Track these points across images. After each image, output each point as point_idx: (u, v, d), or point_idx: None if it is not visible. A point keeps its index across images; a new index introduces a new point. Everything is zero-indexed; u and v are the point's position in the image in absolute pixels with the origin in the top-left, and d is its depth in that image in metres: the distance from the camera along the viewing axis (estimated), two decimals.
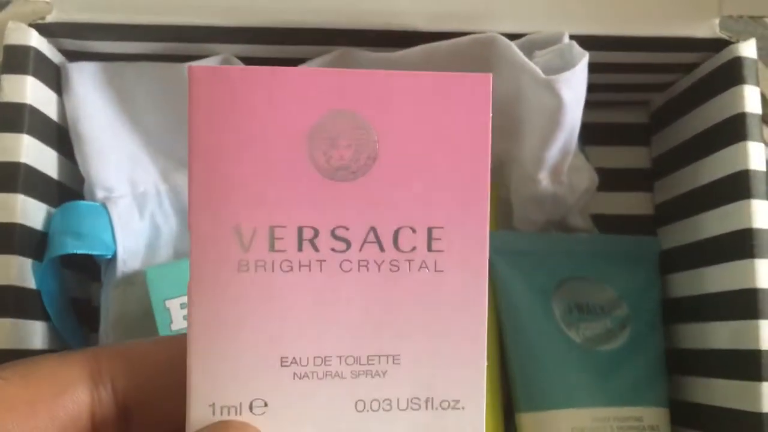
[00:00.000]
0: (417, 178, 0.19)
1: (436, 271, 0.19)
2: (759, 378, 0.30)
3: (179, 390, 0.19)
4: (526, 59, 0.31)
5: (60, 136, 0.33)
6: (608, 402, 0.34)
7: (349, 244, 0.19)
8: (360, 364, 0.19)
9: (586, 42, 0.31)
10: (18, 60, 0.31)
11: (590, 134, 0.37)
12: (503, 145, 0.35)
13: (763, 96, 0.33)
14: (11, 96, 0.30)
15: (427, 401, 0.20)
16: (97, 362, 0.20)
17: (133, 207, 0.33)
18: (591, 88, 0.32)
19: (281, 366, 0.19)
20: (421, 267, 0.19)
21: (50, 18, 0.31)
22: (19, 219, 0.30)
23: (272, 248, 0.19)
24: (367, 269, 0.19)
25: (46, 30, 0.31)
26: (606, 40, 0.33)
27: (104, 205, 0.33)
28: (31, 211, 0.30)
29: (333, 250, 0.19)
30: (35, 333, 0.31)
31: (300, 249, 0.19)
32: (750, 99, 0.32)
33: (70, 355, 0.20)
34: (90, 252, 0.32)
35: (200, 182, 0.19)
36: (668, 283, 0.38)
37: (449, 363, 0.19)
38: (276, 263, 0.19)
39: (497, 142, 0.34)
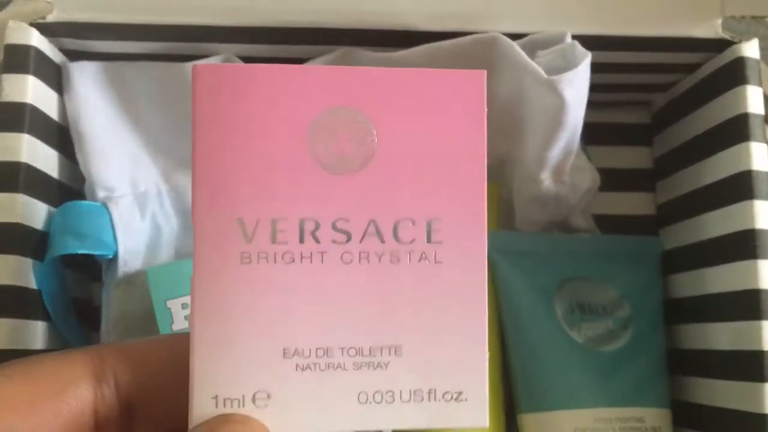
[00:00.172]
0: (415, 172, 0.20)
1: (435, 262, 0.20)
2: (761, 379, 0.30)
3: (182, 387, 0.19)
4: (528, 59, 0.31)
5: (61, 135, 0.33)
6: (610, 403, 0.34)
7: (349, 236, 0.20)
8: (362, 355, 0.19)
9: (589, 42, 0.31)
10: (19, 59, 0.31)
11: (592, 134, 0.36)
12: (505, 146, 0.35)
13: (765, 96, 0.33)
14: (12, 95, 0.30)
15: (429, 393, 0.20)
16: (100, 360, 0.20)
17: (134, 207, 0.33)
18: (593, 88, 0.32)
19: (284, 358, 0.19)
20: (420, 258, 0.20)
21: (51, 17, 0.31)
22: (20, 219, 0.30)
23: (274, 240, 0.19)
24: (368, 261, 0.20)
25: (47, 29, 0.31)
26: (608, 40, 0.33)
27: (105, 205, 0.33)
28: (31, 211, 0.30)
29: (334, 242, 0.19)
30: (36, 333, 0.31)
31: (301, 241, 0.19)
32: (753, 99, 0.32)
33: (73, 353, 0.20)
34: (91, 252, 0.32)
35: (204, 176, 0.19)
36: (670, 284, 0.38)
37: (451, 354, 0.20)
38: (278, 255, 0.19)
39: (499, 142, 0.34)
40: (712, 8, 0.33)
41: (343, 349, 0.19)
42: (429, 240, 0.20)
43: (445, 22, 0.31)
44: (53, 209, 0.32)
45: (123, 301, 0.33)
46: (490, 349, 0.20)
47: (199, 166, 0.19)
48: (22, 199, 0.30)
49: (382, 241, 0.20)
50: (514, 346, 0.35)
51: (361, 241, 0.20)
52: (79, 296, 0.35)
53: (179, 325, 0.31)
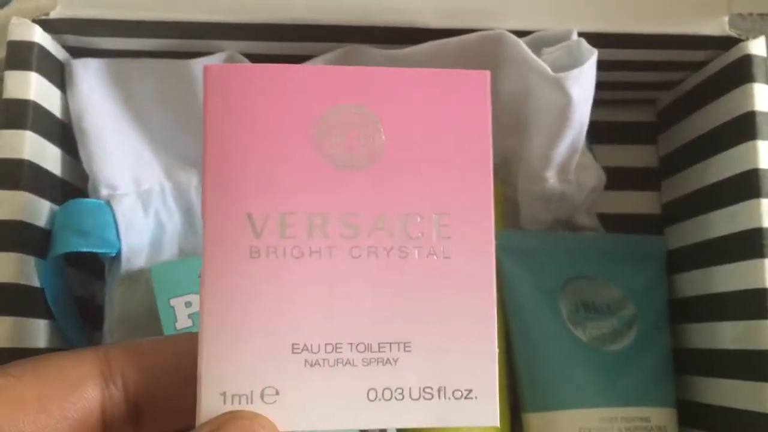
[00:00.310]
0: (423, 168, 0.20)
1: (444, 257, 0.20)
2: (767, 378, 0.30)
3: (189, 386, 0.19)
4: (534, 56, 0.30)
5: (64, 133, 0.33)
6: (615, 402, 0.33)
7: (358, 231, 0.20)
8: (371, 351, 0.19)
9: (595, 39, 0.31)
10: (22, 56, 0.30)
11: (597, 132, 0.36)
12: (510, 143, 0.35)
13: None
14: (15, 92, 0.30)
15: (439, 390, 0.19)
16: (107, 359, 0.20)
17: (138, 205, 0.33)
18: (598, 85, 0.32)
19: (292, 353, 0.19)
20: (429, 254, 0.20)
21: (54, 14, 0.31)
22: (23, 216, 0.30)
23: (283, 235, 0.19)
24: (377, 256, 0.20)
25: (50, 26, 0.31)
26: (614, 37, 0.32)
27: (108, 203, 0.33)
28: (34, 209, 0.30)
29: (342, 236, 0.20)
30: (38, 331, 0.30)
31: (310, 236, 0.19)
32: (759, 97, 0.32)
33: (81, 353, 0.20)
34: (94, 250, 0.32)
35: (214, 172, 0.19)
36: (675, 283, 0.37)
37: (460, 351, 0.20)
38: (287, 249, 0.19)
39: (504, 139, 0.34)
40: (719, 5, 0.32)
41: (352, 344, 0.19)
42: (437, 235, 0.20)
43: (451, 19, 0.31)
44: (56, 207, 0.32)
45: (126, 300, 0.33)
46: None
47: (210, 163, 0.19)
48: (24, 196, 0.30)
49: (391, 236, 0.20)
50: (519, 344, 0.35)
51: (369, 236, 0.20)
52: (81, 294, 0.35)
53: (183, 323, 0.31)
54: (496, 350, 0.20)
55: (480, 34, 0.31)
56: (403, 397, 0.19)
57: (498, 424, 0.19)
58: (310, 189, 0.19)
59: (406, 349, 0.19)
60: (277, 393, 0.19)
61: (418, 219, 0.20)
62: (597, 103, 0.32)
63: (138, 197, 0.33)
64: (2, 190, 0.29)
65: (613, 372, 0.34)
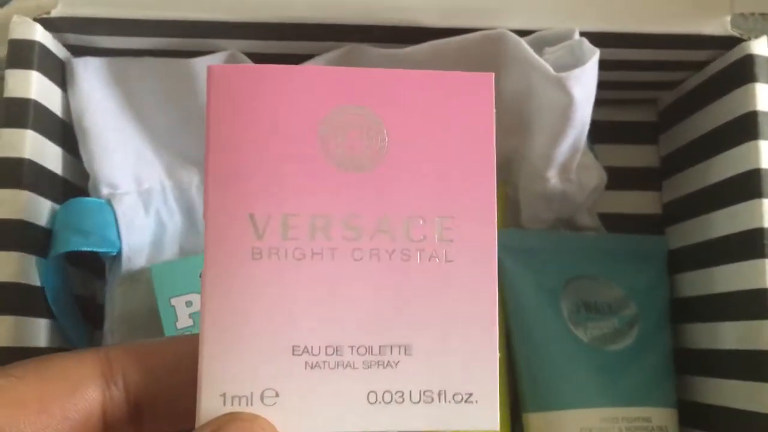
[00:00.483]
0: (426, 170, 0.20)
1: (446, 261, 0.20)
2: None
3: (190, 387, 0.19)
4: (536, 56, 0.30)
5: (64, 131, 0.33)
6: (616, 402, 0.33)
7: (360, 233, 0.20)
8: (372, 354, 0.19)
9: (596, 39, 0.31)
10: (23, 55, 0.30)
11: (598, 132, 0.36)
12: (512, 143, 0.35)
13: None
14: (16, 91, 0.30)
15: (440, 394, 0.19)
16: (108, 360, 0.20)
17: (138, 204, 0.33)
18: (600, 85, 0.32)
19: (293, 355, 0.19)
20: (431, 257, 0.20)
21: (55, 12, 0.31)
22: (23, 215, 0.29)
23: (285, 236, 0.19)
24: (378, 258, 0.20)
25: (51, 25, 0.31)
26: (616, 37, 0.32)
27: (109, 202, 0.33)
28: (35, 208, 0.30)
29: (345, 238, 0.19)
30: (39, 330, 0.30)
31: (312, 237, 0.19)
32: (761, 97, 0.32)
33: (82, 354, 0.20)
34: (94, 249, 0.32)
35: (216, 172, 0.19)
36: (677, 283, 0.37)
37: (461, 355, 0.19)
38: (289, 251, 0.19)
39: (505, 139, 0.34)
40: (721, 5, 0.32)
41: (352, 347, 0.19)
42: (440, 238, 0.20)
43: (452, 18, 0.31)
44: (57, 206, 0.32)
45: (127, 299, 0.33)
46: None
47: (212, 163, 0.19)
48: (25, 195, 0.30)
49: (393, 239, 0.20)
50: (520, 344, 0.35)
51: (371, 239, 0.20)
52: (82, 294, 0.35)
53: (183, 322, 0.31)
54: (497, 354, 0.20)
55: (481, 34, 0.31)
56: (404, 400, 0.19)
57: (498, 428, 0.19)
58: (313, 190, 0.19)
59: (407, 352, 0.19)
60: (277, 395, 0.19)
61: (421, 222, 0.20)
62: (598, 102, 0.32)
63: (139, 196, 0.33)
64: (3, 189, 0.29)
65: (615, 372, 0.34)
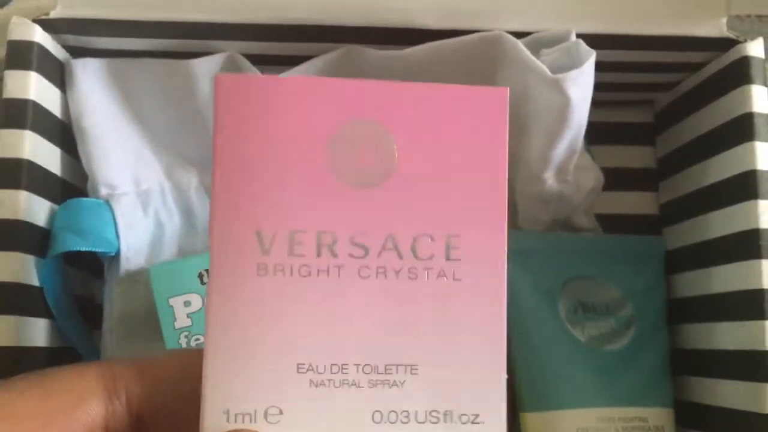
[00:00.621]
0: (435, 187, 0.19)
1: (454, 279, 0.19)
2: (765, 379, 0.30)
3: (192, 402, 0.19)
4: (532, 57, 0.30)
5: (63, 132, 0.33)
6: (613, 402, 0.34)
7: (367, 251, 0.19)
8: (377, 373, 0.19)
9: (593, 40, 0.31)
10: (22, 56, 0.31)
11: (595, 133, 0.36)
12: (509, 144, 0.35)
13: None
14: (15, 92, 0.30)
15: (446, 415, 0.19)
16: (111, 374, 0.20)
17: (137, 204, 0.33)
18: (596, 86, 0.32)
19: (297, 372, 0.19)
20: (439, 275, 0.19)
21: (54, 14, 0.31)
22: (23, 216, 0.30)
23: (291, 253, 0.19)
24: (385, 276, 0.19)
25: (50, 26, 0.31)
26: (612, 38, 0.32)
27: (108, 203, 0.33)
28: (34, 208, 0.30)
29: (351, 256, 0.19)
30: (38, 330, 0.31)
31: (319, 254, 0.19)
32: (757, 98, 0.32)
33: (85, 367, 0.20)
34: (93, 249, 0.32)
35: (223, 187, 0.19)
36: (674, 283, 0.38)
37: (468, 375, 0.19)
38: (295, 268, 0.19)
39: None
40: (717, 7, 0.33)
41: (358, 365, 0.19)
42: (448, 257, 0.19)
43: (450, 19, 0.31)
44: (56, 206, 0.32)
45: (125, 299, 0.33)
46: None
47: (219, 177, 0.19)
48: (24, 196, 0.30)
49: (400, 257, 0.19)
50: (518, 345, 0.35)
51: (378, 256, 0.19)
52: (81, 294, 0.35)
53: (181, 322, 0.31)
54: (505, 375, 0.19)
55: (479, 35, 0.31)
56: (409, 420, 0.19)
57: None
58: (320, 206, 0.19)
59: (413, 371, 0.19)
60: (281, 413, 0.19)
61: (429, 240, 0.19)
62: (595, 104, 0.32)
63: (137, 197, 0.33)
64: (2, 190, 0.29)
65: (612, 372, 0.34)
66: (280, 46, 0.33)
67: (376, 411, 0.19)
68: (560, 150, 0.33)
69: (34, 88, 0.31)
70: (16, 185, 0.29)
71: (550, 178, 0.34)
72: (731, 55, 0.33)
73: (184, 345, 0.31)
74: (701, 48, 0.34)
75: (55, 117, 0.32)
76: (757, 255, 0.31)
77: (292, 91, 0.19)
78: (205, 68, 0.33)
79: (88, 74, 0.33)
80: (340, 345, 0.19)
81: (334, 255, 0.19)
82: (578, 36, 0.31)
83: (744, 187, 0.32)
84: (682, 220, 0.37)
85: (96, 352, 0.34)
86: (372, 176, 0.19)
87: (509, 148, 0.35)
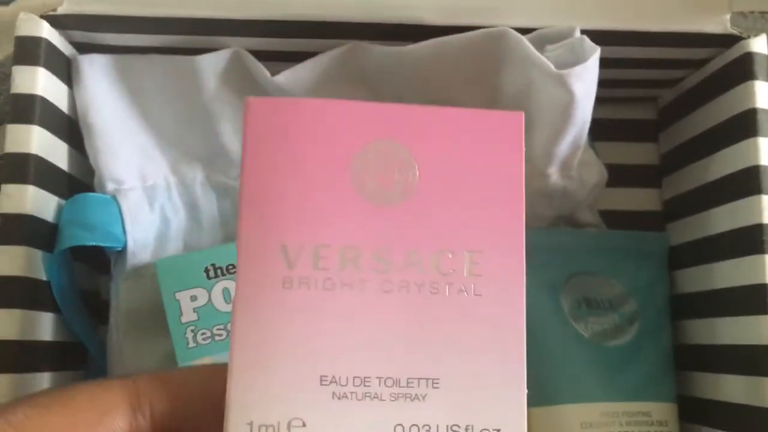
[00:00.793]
0: (455, 206, 0.20)
1: (474, 295, 0.20)
2: (767, 374, 0.30)
3: (216, 416, 0.19)
4: (537, 53, 0.31)
5: (70, 128, 0.33)
6: (617, 397, 0.34)
7: (390, 266, 0.20)
8: (399, 386, 0.19)
9: (597, 36, 0.31)
10: (29, 51, 0.31)
11: (599, 130, 0.36)
12: None
13: None
14: (22, 87, 0.30)
15: (467, 429, 0.19)
16: (135, 389, 0.20)
17: (143, 199, 0.33)
18: (600, 83, 0.32)
19: (321, 385, 0.19)
20: (460, 291, 0.20)
21: (61, 10, 0.31)
22: (30, 210, 0.30)
23: (316, 266, 0.19)
24: (408, 290, 0.20)
25: (57, 22, 0.31)
26: (616, 34, 0.33)
27: (114, 198, 0.33)
28: (41, 203, 0.31)
29: (374, 270, 0.20)
30: (45, 324, 0.31)
31: (342, 268, 0.20)
32: (761, 95, 0.32)
33: (109, 382, 0.20)
34: (100, 244, 0.32)
35: (251, 202, 0.20)
36: (677, 279, 0.38)
37: (489, 389, 0.19)
38: (319, 281, 0.19)
39: None
40: (721, 4, 0.33)
41: (380, 378, 0.19)
42: (468, 273, 0.20)
43: (454, 16, 0.31)
44: (63, 201, 0.32)
45: (132, 294, 0.33)
46: None
47: (246, 193, 0.20)
48: (32, 190, 0.30)
49: (422, 272, 0.20)
50: None
51: (401, 271, 0.20)
52: (87, 288, 0.35)
53: (188, 317, 0.31)
54: (525, 390, 0.20)
55: (483, 32, 0.31)
56: None
57: None
58: (344, 222, 0.20)
59: (435, 385, 0.19)
60: (304, 425, 0.19)
61: (450, 255, 0.20)
62: (599, 100, 0.32)
63: (144, 192, 0.34)
64: (10, 184, 0.30)
65: (615, 367, 0.34)
66: (285, 42, 0.33)
67: (398, 424, 0.19)
68: (564, 146, 0.33)
69: (42, 83, 0.31)
70: (23, 180, 0.30)
71: (554, 173, 0.35)
72: (734, 52, 0.33)
73: (190, 339, 0.31)
74: (705, 44, 0.34)
75: (62, 112, 0.33)
76: (760, 250, 0.31)
77: (317, 113, 0.20)
78: (210, 64, 0.33)
79: (95, 70, 0.33)
80: (362, 358, 0.19)
81: (358, 269, 0.20)
82: (582, 32, 0.31)
83: (747, 182, 0.32)
84: (686, 216, 0.37)
85: (102, 347, 0.34)
86: (394, 195, 0.20)
87: None
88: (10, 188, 0.30)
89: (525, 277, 0.20)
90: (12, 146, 0.30)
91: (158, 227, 0.34)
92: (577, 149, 0.34)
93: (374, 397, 0.19)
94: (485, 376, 0.20)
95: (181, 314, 0.31)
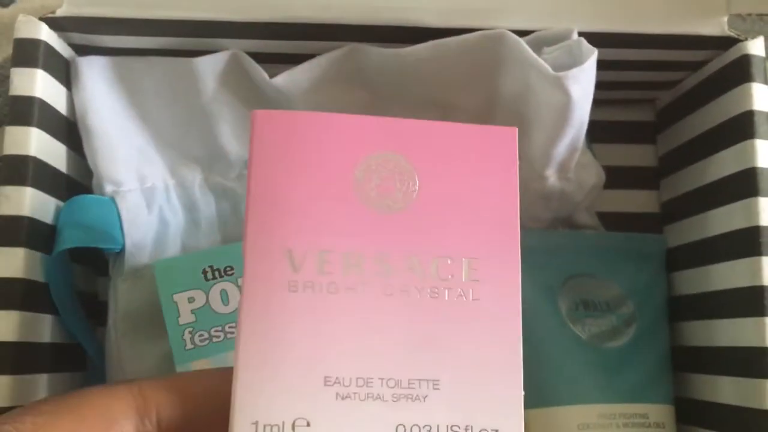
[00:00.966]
0: (454, 214, 0.21)
1: (472, 299, 0.21)
2: (764, 375, 0.30)
3: (221, 419, 0.19)
4: (534, 56, 0.31)
5: (69, 129, 0.33)
6: (614, 399, 0.34)
7: (391, 271, 0.20)
8: (401, 387, 0.20)
9: (595, 39, 0.31)
10: (28, 53, 0.31)
11: (597, 132, 0.37)
12: None
13: None
14: (21, 89, 0.30)
15: (466, 429, 0.20)
16: (142, 395, 0.20)
17: (142, 201, 0.33)
18: (598, 85, 0.32)
19: (324, 385, 0.20)
20: (459, 295, 0.21)
21: (60, 12, 0.31)
22: (28, 212, 0.30)
23: (321, 271, 0.20)
24: (408, 294, 0.20)
25: (56, 24, 0.31)
26: (614, 37, 0.33)
27: (113, 199, 0.33)
28: (39, 205, 0.31)
29: (376, 274, 0.20)
30: (43, 326, 0.31)
31: (346, 273, 0.20)
32: (757, 97, 0.32)
33: (114, 388, 0.21)
34: (98, 245, 0.32)
35: (257, 208, 0.20)
36: (674, 281, 0.38)
37: (487, 391, 0.20)
38: (323, 285, 0.20)
39: None
40: (718, 6, 0.33)
41: (382, 379, 0.20)
42: (467, 278, 0.21)
43: (452, 18, 0.32)
44: (61, 203, 0.32)
45: (130, 295, 0.33)
46: None
47: (253, 200, 0.20)
48: (30, 192, 0.30)
49: (422, 277, 0.20)
50: None
51: (402, 276, 0.20)
52: (85, 290, 0.35)
53: (185, 318, 0.31)
54: (522, 392, 0.20)
55: (481, 34, 0.31)
56: None
57: None
58: (348, 229, 0.20)
59: (435, 386, 0.20)
60: (309, 425, 0.19)
61: (449, 261, 0.21)
62: (597, 102, 0.33)
63: (142, 194, 0.34)
64: (8, 186, 0.30)
65: (612, 369, 0.34)
66: (283, 44, 0.33)
67: (400, 424, 0.20)
68: (562, 148, 0.33)
69: (41, 85, 0.31)
70: (22, 182, 0.30)
71: (551, 175, 0.35)
72: (732, 54, 0.33)
73: (187, 341, 0.31)
74: (702, 47, 0.34)
75: (61, 114, 0.33)
76: (758, 252, 0.31)
77: (322, 125, 0.21)
78: (208, 66, 0.33)
79: (94, 72, 0.33)
80: (365, 359, 0.20)
81: (361, 274, 0.20)
82: (580, 34, 0.32)
83: (744, 184, 0.32)
84: (683, 218, 0.37)
85: (100, 349, 0.34)
86: (395, 204, 0.21)
87: None
88: (9, 190, 0.30)
89: (521, 282, 0.21)
90: (11, 148, 0.30)
91: (156, 229, 0.34)
92: (575, 151, 0.34)
93: (376, 398, 0.20)
94: (484, 378, 0.20)
95: (178, 316, 0.31)
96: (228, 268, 0.32)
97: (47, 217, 0.31)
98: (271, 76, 0.33)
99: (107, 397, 0.20)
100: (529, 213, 0.37)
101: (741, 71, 0.33)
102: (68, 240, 0.31)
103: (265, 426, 0.19)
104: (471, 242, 0.21)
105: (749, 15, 0.38)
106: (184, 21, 0.31)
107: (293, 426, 0.19)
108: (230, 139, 0.34)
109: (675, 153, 0.39)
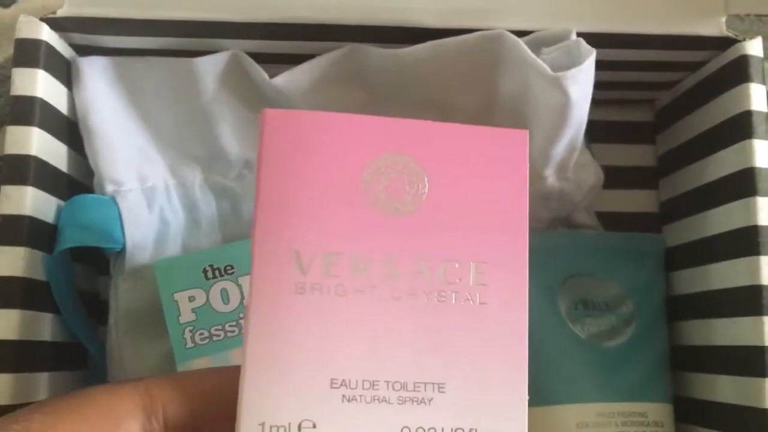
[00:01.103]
0: (462, 217, 0.21)
1: (479, 303, 0.21)
2: (763, 374, 0.30)
3: (227, 418, 0.19)
4: (533, 56, 0.31)
5: (70, 129, 0.33)
6: (613, 398, 0.34)
7: (399, 274, 0.20)
8: (407, 390, 0.20)
9: (593, 39, 0.31)
10: (29, 54, 0.31)
11: (596, 132, 0.37)
12: None
13: None
14: (22, 89, 0.31)
15: None
16: (149, 394, 0.21)
17: (142, 201, 0.34)
18: (597, 85, 0.32)
19: (331, 387, 0.20)
20: (466, 299, 0.21)
21: (61, 12, 0.31)
22: (29, 211, 0.30)
23: (328, 273, 0.20)
24: (416, 298, 0.20)
25: (57, 24, 0.32)
26: (613, 37, 0.33)
27: (113, 199, 0.33)
28: (41, 204, 0.31)
29: (384, 277, 0.20)
30: (44, 325, 0.31)
31: (354, 275, 0.20)
32: (756, 97, 0.32)
33: (122, 388, 0.21)
34: (99, 245, 0.32)
35: (266, 210, 0.20)
36: (673, 280, 0.38)
37: (492, 395, 0.20)
38: (331, 287, 0.20)
39: None
40: (716, 6, 0.33)
41: (388, 382, 0.20)
42: (474, 282, 0.21)
43: (451, 18, 0.32)
44: (62, 202, 0.32)
45: (130, 295, 0.33)
46: None
47: (262, 202, 0.20)
48: (31, 192, 0.30)
49: (430, 280, 0.20)
50: None
51: (410, 279, 0.20)
52: (86, 289, 0.35)
53: (186, 317, 0.31)
54: (527, 396, 0.21)
55: (480, 34, 0.31)
56: None
57: None
58: (356, 231, 0.20)
59: (441, 389, 0.20)
60: (315, 426, 0.19)
61: (457, 265, 0.21)
62: (596, 102, 0.33)
63: (143, 193, 0.34)
64: (10, 186, 0.30)
65: (611, 368, 0.35)
66: (283, 45, 0.33)
67: (405, 427, 0.20)
68: (560, 148, 0.33)
69: (42, 85, 0.31)
70: (23, 181, 0.30)
71: (550, 175, 0.35)
72: (730, 54, 0.33)
73: (188, 340, 0.31)
74: (701, 47, 0.34)
75: (62, 114, 0.33)
76: (756, 251, 0.31)
77: (331, 125, 0.21)
78: (209, 66, 0.33)
79: (95, 72, 0.33)
80: (372, 362, 0.20)
81: (369, 276, 0.20)
82: (578, 35, 0.32)
83: (743, 184, 0.32)
84: (682, 218, 0.38)
85: (101, 347, 0.34)
86: (404, 206, 0.21)
87: None
88: (10, 189, 0.30)
89: (528, 288, 0.21)
90: (12, 148, 0.30)
91: (157, 228, 0.34)
92: (574, 151, 0.34)
93: (382, 400, 0.20)
94: (489, 382, 0.20)
95: (179, 315, 0.31)
96: (228, 267, 0.32)
97: (48, 217, 0.31)
98: (271, 76, 0.33)
99: (114, 395, 0.20)
100: (528, 213, 0.37)
101: (739, 71, 0.33)
102: (69, 239, 0.31)
103: (271, 427, 0.19)
104: (479, 246, 0.21)
105: (747, 15, 0.38)
106: (185, 21, 0.31)
107: (300, 427, 0.19)
108: (230, 139, 0.34)
109: (674, 153, 0.39)
